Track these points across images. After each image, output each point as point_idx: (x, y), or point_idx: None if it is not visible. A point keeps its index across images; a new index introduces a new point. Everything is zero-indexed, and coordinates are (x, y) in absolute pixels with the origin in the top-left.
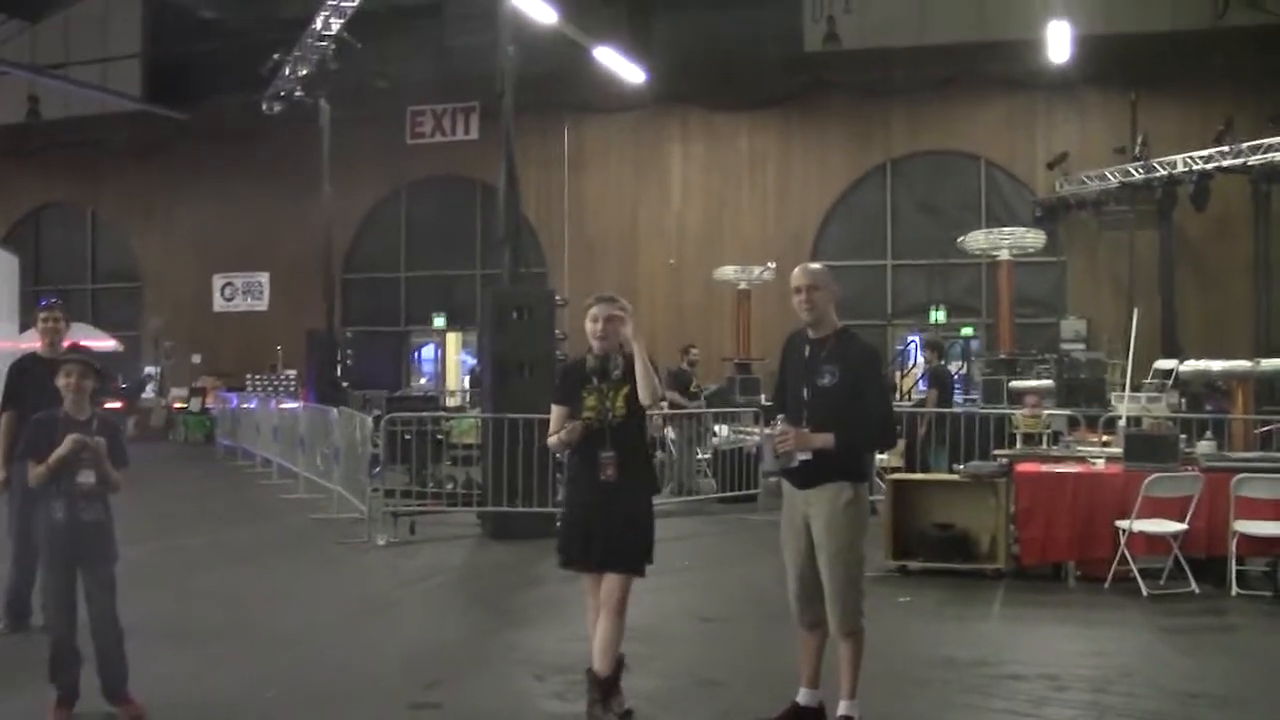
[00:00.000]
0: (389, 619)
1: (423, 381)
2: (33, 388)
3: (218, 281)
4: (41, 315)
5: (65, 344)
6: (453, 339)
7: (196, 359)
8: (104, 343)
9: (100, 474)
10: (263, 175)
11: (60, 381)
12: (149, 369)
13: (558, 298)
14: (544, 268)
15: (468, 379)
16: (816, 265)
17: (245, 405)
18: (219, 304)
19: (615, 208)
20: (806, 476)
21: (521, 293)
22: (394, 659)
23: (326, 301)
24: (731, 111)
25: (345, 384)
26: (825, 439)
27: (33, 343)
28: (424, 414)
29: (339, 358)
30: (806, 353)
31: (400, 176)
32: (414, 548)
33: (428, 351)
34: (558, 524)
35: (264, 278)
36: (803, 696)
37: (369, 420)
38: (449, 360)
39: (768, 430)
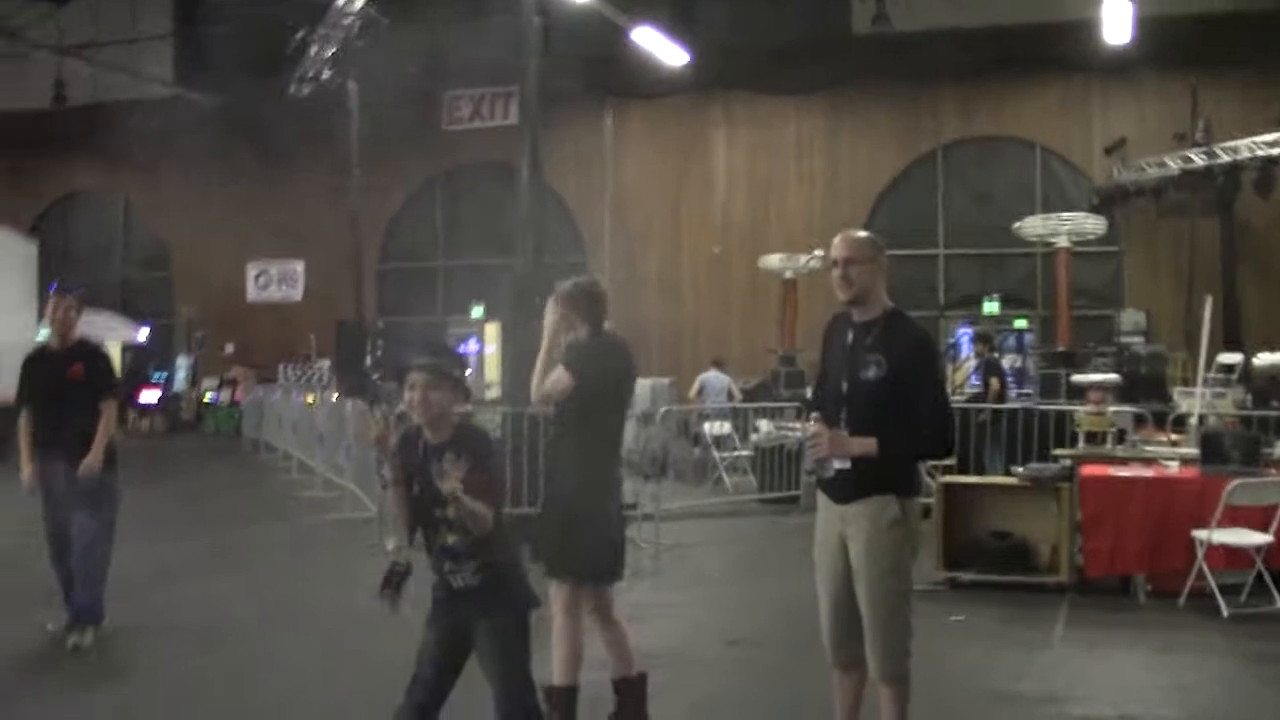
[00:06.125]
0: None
1: None
2: (43, 384)
3: (251, 270)
4: (51, 303)
5: (76, 336)
6: (491, 330)
7: (229, 349)
8: (132, 333)
9: (465, 527)
10: (297, 162)
11: (406, 395)
12: (180, 359)
13: None
14: (582, 256)
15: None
16: (860, 233)
17: (269, 398)
18: (252, 293)
19: (658, 195)
20: (844, 489)
21: (545, 280)
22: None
23: (356, 290)
24: (777, 96)
25: (376, 375)
26: (866, 444)
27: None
28: None
29: (369, 348)
30: (849, 339)
31: (437, 163)
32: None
33: (471, 345)
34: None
35: (299, 266)
36: None
37: (378, 414)
38: (487, 352)
39: (804, 427)
